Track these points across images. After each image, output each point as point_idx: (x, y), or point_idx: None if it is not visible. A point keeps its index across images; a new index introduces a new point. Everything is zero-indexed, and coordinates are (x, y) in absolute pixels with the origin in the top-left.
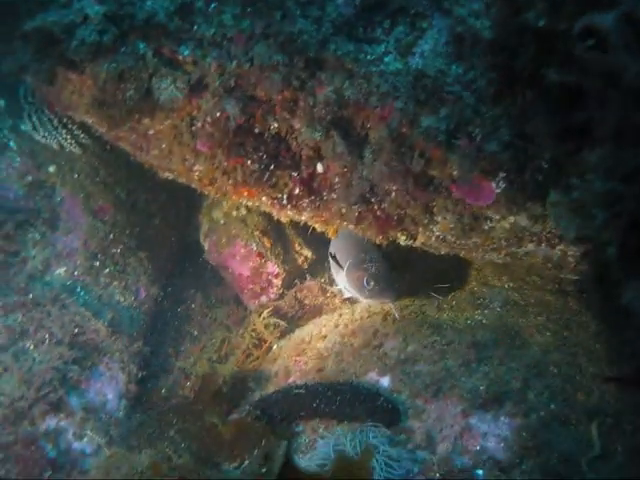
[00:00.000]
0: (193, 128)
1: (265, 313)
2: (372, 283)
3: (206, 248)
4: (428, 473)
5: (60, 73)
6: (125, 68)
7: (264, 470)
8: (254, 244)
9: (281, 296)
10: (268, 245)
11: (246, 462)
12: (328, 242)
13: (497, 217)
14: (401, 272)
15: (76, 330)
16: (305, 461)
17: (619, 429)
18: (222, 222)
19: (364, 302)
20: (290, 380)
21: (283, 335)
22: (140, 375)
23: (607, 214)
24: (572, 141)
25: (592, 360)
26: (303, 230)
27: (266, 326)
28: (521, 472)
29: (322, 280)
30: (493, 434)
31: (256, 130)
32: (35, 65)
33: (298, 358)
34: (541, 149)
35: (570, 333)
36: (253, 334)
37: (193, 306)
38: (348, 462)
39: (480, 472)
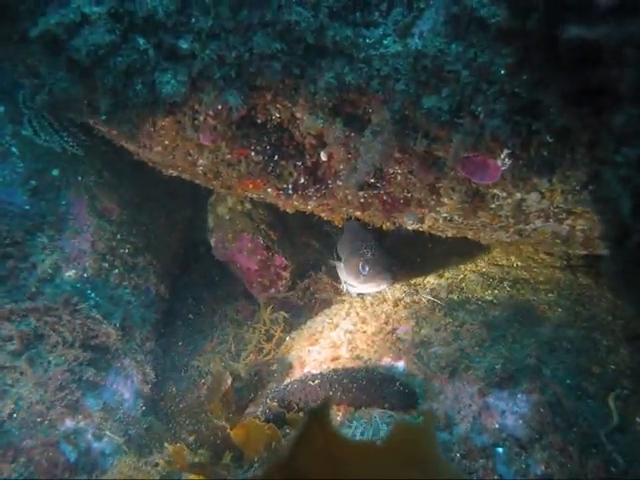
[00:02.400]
0: (196, 122)
1: (269, 310)
2: (367, 268)
3: (213, 244)
4: (448, 454)
5: (74, 82)
6: (130, 62)
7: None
8: (261, 238)
9: (291, 288)
10: (275, 238)
11: (255, 465)
12: (335, 232)
13: (504, 195)
14: (404, 257)
15: (88, 334)
16: None
17: (636, 399)
18: (227, 217)
19: (361, 289)
20: (305, 370)
21: (294, 327)
22: (154, 374)
23: None
24: (589, 104)
25: (606, 333)
26: (310, 222)
27: (272, 321)
28: (541, 447)
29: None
30: (511, 412)
31: (258, 121)
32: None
33: (312, 348)
34: (551, 118)
35: (582, 308)
36: (263, 329)
37: (203, 303)
38: (407, 427)
39: (500, 450)
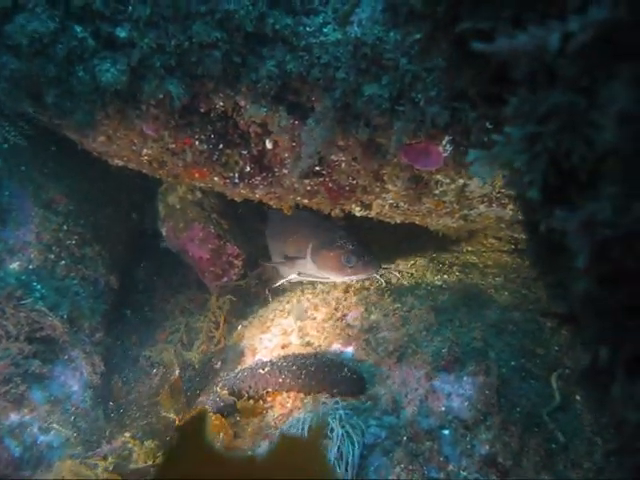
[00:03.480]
0: (138, 111)
1: (218, 298)
2: (354, 259)
3: (164, 234)
4: (396, 437)
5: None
6: (71, 48)
7: None
8: (212, 226)
9: (243, 277)
10: (226, 227)
11: None
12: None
13: (447, 181)
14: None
15: (33, 326)
16: None
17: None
18: (178, 207)
19: (344, 280)
20: (256, 358)
21: (247, 315)
22: (104, 365)
23: (526, 156)
24: (494, 89)
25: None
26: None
27: (220, 307)
28: (486, 428)
29: None
30: (457, 394)
31: (202, 109)
32: None
33: (263, 336)
34: (475, 107)
35: (528, 291)
36: (213, 318)
37: (155, 293)
38: (294, 441)
39: (446, 432)
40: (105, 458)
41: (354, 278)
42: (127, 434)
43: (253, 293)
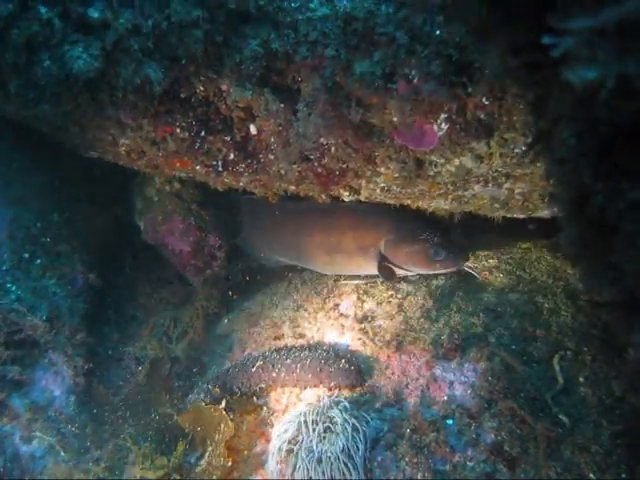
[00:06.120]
0: (114, 99)
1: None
2: (444, 252)
3: (142, 227)
4: (398, 430)
5: None
6: (31, 34)
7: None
8: (192, 218)
9: (226, 268)
10: (207, 218)
11: (208, 450)
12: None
13: (442, 161)
14: None
15: (11, 328)
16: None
17: (579, 360)
18: (156, 199)
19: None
20: (246, 352)
21: (231, 307)
22: (87, 367)
23: None
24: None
25: (547, 296)
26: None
27: (208, 299)
28: (490, 416)
29: None
30: (459, 382)
31: (182, 95)
32: None
33: (252, 330)
34: (487, 79)
35: (523, 272)
36: (199, 311)
37: (137, 288)
38: None
39: (450, 422)
40: (98, 462)
41: (441, 272)
42: (122, 436)
43: (237, 284)
